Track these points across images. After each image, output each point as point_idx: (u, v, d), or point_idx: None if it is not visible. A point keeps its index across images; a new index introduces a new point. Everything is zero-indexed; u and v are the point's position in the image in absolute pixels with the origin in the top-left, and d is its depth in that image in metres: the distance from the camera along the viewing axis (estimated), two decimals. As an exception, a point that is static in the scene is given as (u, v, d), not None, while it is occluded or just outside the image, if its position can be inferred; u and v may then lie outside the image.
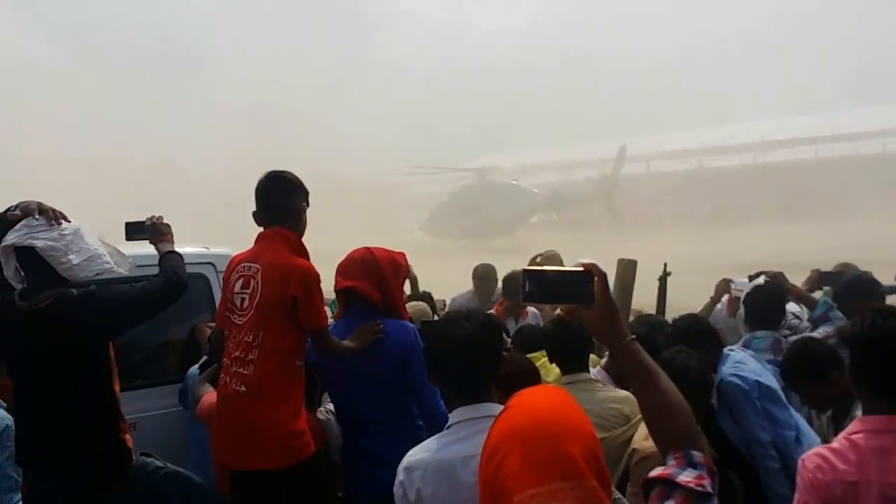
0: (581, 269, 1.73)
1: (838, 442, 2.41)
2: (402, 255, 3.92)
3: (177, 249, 4.08)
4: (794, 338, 4.50)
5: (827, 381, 3.21)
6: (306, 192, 3.80)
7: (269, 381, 3.52)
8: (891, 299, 5.74)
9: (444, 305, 6.28)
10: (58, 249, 3.68)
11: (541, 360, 4.44)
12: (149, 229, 4.06)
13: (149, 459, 3.43)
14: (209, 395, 3.89)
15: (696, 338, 3.81)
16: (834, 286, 5.15)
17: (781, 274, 5.22)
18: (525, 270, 1.75)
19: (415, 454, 2.43)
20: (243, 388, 3.47)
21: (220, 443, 3.59)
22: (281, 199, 3.72)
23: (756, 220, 33.03)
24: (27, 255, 3.55)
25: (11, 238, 3.52)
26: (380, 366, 3.41)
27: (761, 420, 3.93)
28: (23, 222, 3.64)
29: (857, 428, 2.38)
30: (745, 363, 4.10)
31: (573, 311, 1.74)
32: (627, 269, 5.60)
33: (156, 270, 3.91)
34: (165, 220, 4.13)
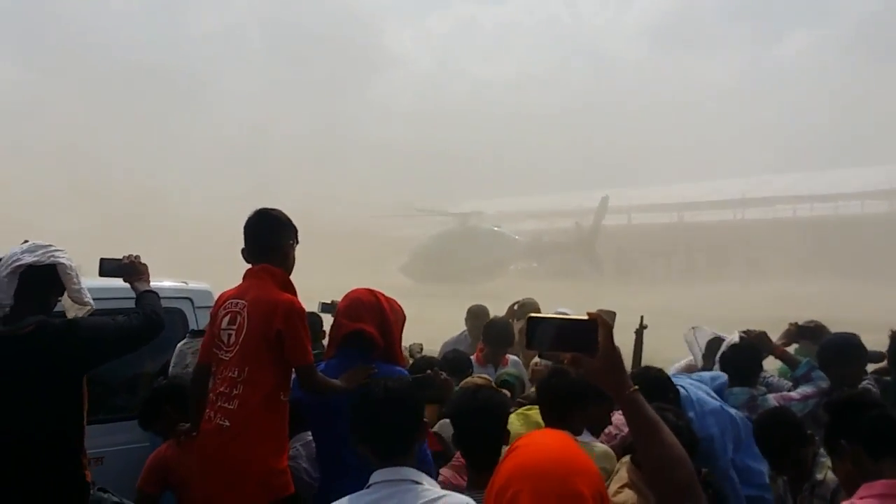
0: (586, 318, 1.74)
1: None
2: (396, 302, 3.93)
3: (155, 283, 4.07)
4: (771, 396, 4.55)
5: (788, 454, 3.17)
6: (295, 231, 3.81)
7: (254, 416, 3.49)
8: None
9: (421, 349, 6.25)
10: (74, 270, 3.71)
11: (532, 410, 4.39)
12: (125, 268, 4.04)
13: (105, 495, 3.38)
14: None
15: (659, 386, 3.85)
16: (820, 347, 5.17)
17: (764, 333, 5.24)
18: (530, 317, 1.77)
19: None
20: (227, 423, 3.44)
21: (201, 477, 3.54)
22: (268, 237, 3.73)
23: (735, 276, 33.29)
24: (35, 277, 3.54)
25: (29, 258, 3.50)
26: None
27: (731, 469, 3.97)
28: (28, 244, 3.64)
29: (864, 493, 2.40)
30: (707, 398, 4.16)
31: (577, 360, 1.74)
32: (605, 321, 5.61)
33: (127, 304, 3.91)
34: (143, 258, 4.13)
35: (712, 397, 4.15)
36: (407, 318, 4.15)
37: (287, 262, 3.76)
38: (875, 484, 2.35)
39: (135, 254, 4.08)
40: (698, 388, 4.18)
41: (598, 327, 1.73)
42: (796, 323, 5.77)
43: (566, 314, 1.87)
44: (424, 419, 2.75)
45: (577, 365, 1.74)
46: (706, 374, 4.56)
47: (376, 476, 2.46)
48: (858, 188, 37.62)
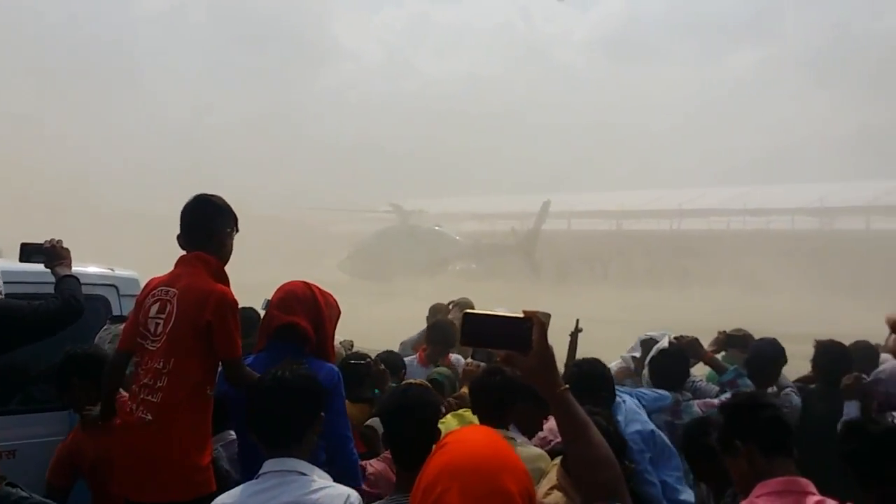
0: (521, 316, 1.73)
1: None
2: (332, 295, 3.83)
3: (79, 269, 3.92)
4: (695, 402, 4.68)
5: (712, 462, 3.20)
6: (235, 218, 3.67)
7: (178, 410, 3.37)
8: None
9: (351, 345, 6.17)
10: None
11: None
12: (47, 252, 3.89)
13: (13, 490, 3.24)
14: None
15: (593, 383, 3.91)
16: (749, 355, 5.32)
17: (696, 340, 5.36)
18: (465, 313, 1.76)
19: (221, 500, 2.51)
20: (149, 417, 3.31)
21: (121, 472, 3.40)
22: (203, 223, 3.60)
23: (670, 284, 33.93)
24: None
25: None
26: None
27: (652, 474, 4.03)
28: None
29: (760, 491, 2.48)
30: (639, 413, 4.22)
31: (510, 357, 1.74)
32: (540, 320, 5.62)
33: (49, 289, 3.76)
34: (69, 243, 3.98)
35: (644, 414, 4.23)
36: (342, 314, 4.07)
37: (223, 251, 3.64)
38: (770, 482, 2.46)
39: (57, 238, 3.93)
40: (635, 404, 4.25)
41: (532, 325, 1.73)
42: (725, 331, 5.94)
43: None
44: (321, 413, 2.76)
45: (510, 362, 1.74)
46: (651, 394, 4.64)
47: (266, 466, 2.50)
48: (790, 204, 38.78)
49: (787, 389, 5.38)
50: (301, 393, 2.87)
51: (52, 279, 3.81)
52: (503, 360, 1.76)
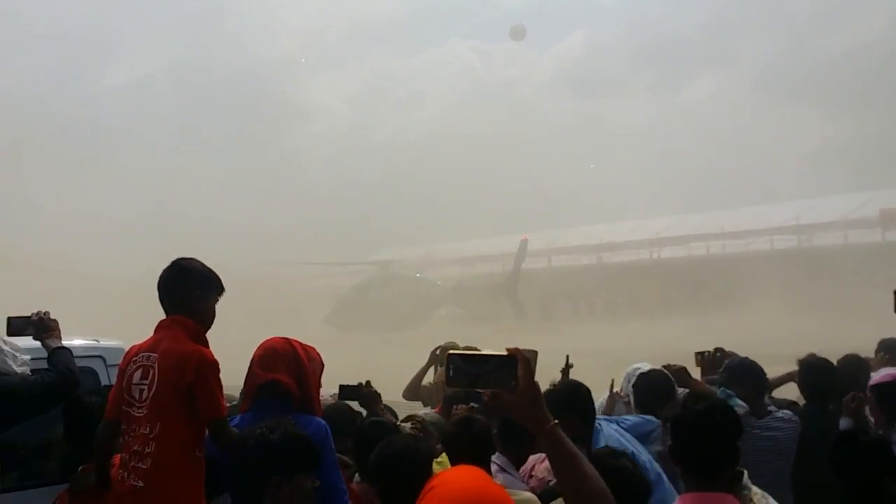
0: (506, 353, 1.72)
1: None
2: (315, 349, 3.81)
3: (66, 342, 3.89)
4: None
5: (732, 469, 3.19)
6: (215, 282, 3.65)
7: (168, 475, 3.33)
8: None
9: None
10: None
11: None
12: (35, 325, 3.87)
13: None
14: None
15: (571, 403, 3.90)
16: (728, 374, 5.32)
17: (684, 369, 5.34)
18: (449, 354, 1.75)
19: None
20: (141, 484, 3.28)
21: None
22: (176, 287, 3.59)
23: (653, 314, 33.98)
24: None
25: None
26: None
27: None
28: None
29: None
30: (620, 437, 4.19)
31: (497, 395, 1.73)
32: (525, 357, 5.65)
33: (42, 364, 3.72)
34: (52, 315, 3.96)
35: (626, 439, 4.20)
36: (331, 368, 4.05)
37: (197, 314, 3.61)
38: (685, 496, 2.57)
39: (44, 310, 3.91)
40: (614, 429, 4.22)
41: (517, 363, 1.72)
42: (700, 353, 5.92)
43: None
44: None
45: (497, 401, 1.74)
46: (631, 419, 4.62)
47: None
48: (766, 224, 39.10)
49: (773, 409, 5.37)
50: (283, 452, 2.90)
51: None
52: (490, 399, 1.76)
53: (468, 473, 1.84)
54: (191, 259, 3.69)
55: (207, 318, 3.64)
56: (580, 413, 3.96)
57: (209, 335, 3.61)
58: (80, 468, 3.55)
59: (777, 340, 15.89)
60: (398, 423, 5.17)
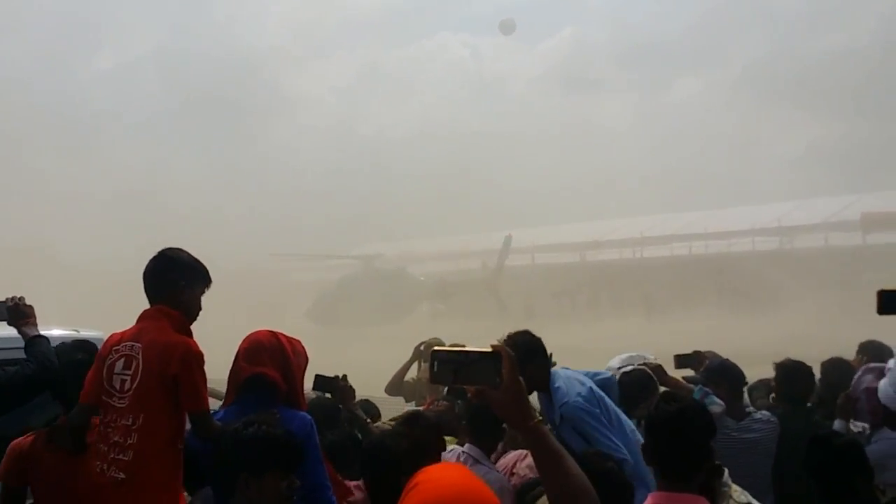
0: (490, 350, 1.72)
1: None
2: (300, 342, 3.79)
3: (43, 331, 3.85)
4: None
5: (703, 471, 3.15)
6: (201, 273, 3.61)
7: (149, 467, 3.31)
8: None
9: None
10: None
11: (452, 444, 4.36)
12: (9, 311, 3.81)
13: None
14: None
15: (528, 351, 4.05)
16: (706, 373, 5.39)
17: (660, 366, 5.39)
18: (433, 351, 1.74)
19: None
20: (122, 476, 3.26)
21: None
22: (164, 278, 3.56)
23: (635, 312, 34.12)
24: None
25: None
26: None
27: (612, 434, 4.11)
28: None
29: (648, 502, 2.55)
30: (574, 376, 4.34)
31: (481, 392, 1.73)
32: (509, 353, 5.72)
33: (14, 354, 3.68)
34: (28, 302, 3.90)
35: (579, 378, 4.38)
36: (318, 362, 4.05)
37: (183, 304, 3.57)
38: (656, 494, 2.62)
39: (18, 295, 3.85)
40: (570, 373, 4.40)
41: (501, 359, 1.72)
42: (676, 355, 5.99)
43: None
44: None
45: (482, 397, 1.74)
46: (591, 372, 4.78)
47: None
48: (749, 225, 39.32)
49: (752, 409, 5.42)
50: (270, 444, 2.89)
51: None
52: (474, 396, 1.77)
53: (453, 471, 1.83)
54: (178, 249, 3.66)
55: (192, 310, 3.60)
56: (537, 361, 4.08)
57: (192, 327, 3.58)
58: (59, 418, 3.54)
59: (758, 342, 16.03)
60: (380, 420, 5.18)
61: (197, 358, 3.41)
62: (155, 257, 3.60)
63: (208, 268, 3.70)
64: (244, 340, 3.71)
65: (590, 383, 4.25)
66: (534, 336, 4.31)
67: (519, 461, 4.09)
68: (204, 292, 3.60)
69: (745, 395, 5.59)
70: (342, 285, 39.74)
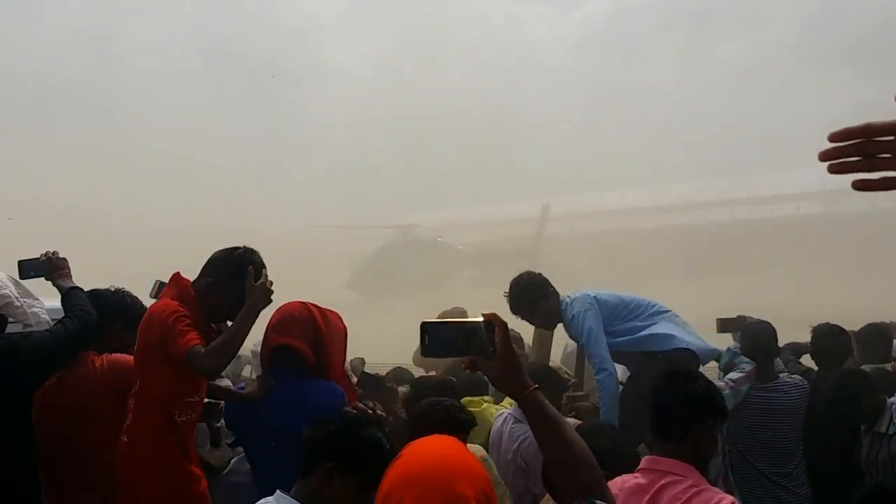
0: (481, 319, 1.72)
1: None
2: (337, 314, 3.77)
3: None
4: None
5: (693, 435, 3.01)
6: (245, 266, 3.51)
7: (142, 433, 3.35)
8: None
9: (363, 363, 6.17)
10: (16, 302, 3.60)
11: (482, 404, 4.35)
12: (44, 265, 3.85)
13: None
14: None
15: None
16: (740, 336, 5.37)
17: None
18: (423, 323, 1.72)
19: None
20: (125, 438, 3.34)
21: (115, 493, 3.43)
22: (219, 265, 3.55)
23: (676, 279, 33.80)
24: None
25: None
26: (291, 426, 3.27)
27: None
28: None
29: (641, 465, 2.55)
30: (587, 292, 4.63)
31: (474, 362, 1.73)
32: (502, 321, 5.77)
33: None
34: (77, 275, 3.95)
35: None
36: (359, 333, 4.03)
37: (212, 296, 3.51)
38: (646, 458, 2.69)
39: (52, 250, 3.90)
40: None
41: (494, 328, 1.71)
42: (719, 319, 5.97)
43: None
44: None
45: (475, 368, 1.73)
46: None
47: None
48: (793, 190, 38.64)
49: (784, 374, 5.36)
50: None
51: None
52: (468, 366, 1.75)
53: (439, 442, 1.84)
54: (256, 254, 3.57)
55: (214, 310, 3.51)
56: (545, 295, 4.29)
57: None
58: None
59: (801, 306, 15.75)
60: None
61: (166, 312, 3.33)
62: (232, 251, 3.53)
63: (247, 240, 3.67)
64: (275, 311, 3.70)
65: (595, 296, 4.68)
66: (534, 274, 4.50)
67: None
68: (236, 308, 3.42)
69: (779, 361, 5.54)
70: (381, 255, 39.92)
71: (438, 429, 3.23)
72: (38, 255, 3.92)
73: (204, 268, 3.60)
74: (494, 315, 1.73)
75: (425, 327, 1.70)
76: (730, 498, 2.44)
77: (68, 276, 3.90)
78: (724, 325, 5.97)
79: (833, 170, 1.45)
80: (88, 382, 3.58)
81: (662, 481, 2.49)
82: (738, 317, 5.92)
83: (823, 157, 1.48)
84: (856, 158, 1.42)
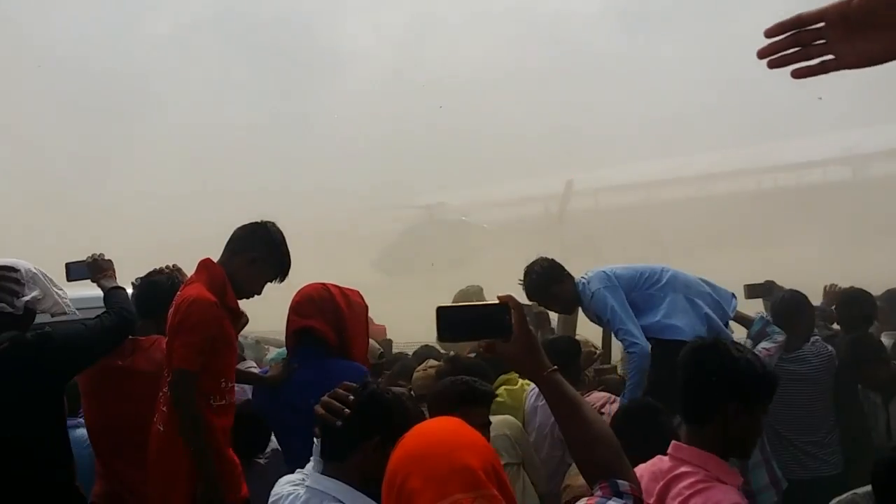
0: (496, 302, 1.73)
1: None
2: (358, 293, 3.80)
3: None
4: None
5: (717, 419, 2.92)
6: (280, 263, 3.58)
7: (171, 425, 3.37)
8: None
9: (391, 344, 6.22)
10: (44, 290, 3.66)
11: (518, 382, 4.38)
12: (90, 266, 3.96)
13: None
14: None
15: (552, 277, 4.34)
16: (772, 305, 5.39)
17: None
18: (438, 308, 1.75)
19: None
20: (161, 428, 3.35)
21: (147, 482, 3.48)
22: (241, 242, 3.62)
23: (703, 250, 33.52)
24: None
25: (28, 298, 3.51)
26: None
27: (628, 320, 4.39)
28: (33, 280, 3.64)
29: (668, 450, 2.50)
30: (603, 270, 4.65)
31: (492, 345, 1.75)
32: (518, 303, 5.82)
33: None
34: (107, 257, 4.05)
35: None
36: (379, 312, 4.05)
37: (242, 273, 3.56)
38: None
39: (98, 252, 4.01)
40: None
41: (509, 310, 1.74)
42: (747, 285, 6.00)
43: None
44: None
45: (492, 351, 1.76)
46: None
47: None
48: (820, 156, 38.05)
49: (815, 339, 5.35)
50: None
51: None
52: (485, 350, 1.77)
53: (440, 420, 1.87)
54: (278, 229, 3.64)
55: (252, 285, 3.57)
56: (561, 279, 4.34)
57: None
58: None
59: (830, 273, 15.55)
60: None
61: (187, 312, 3.37)
62: (253, 224, 3.60)
63: (277, 222, 3.70)
64: (296, 294, 3.75)
65: (610, 271, 4.69)
66: (547, 259, 4.54)
67: (608, 403, 4.11)
68: (270, 281, 3.58)
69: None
70: (406, 235, 40.00)
71: (460, 403, 3.26)
72: (84, 258, 4.04)
73: (227, 245, 3.66)
74: (510, 296, 1.78)
75: (441, 312, 1.73)
76: (732, 499, 2.37)
77: (112, 276, 4.06)
78: (752, 291, 5.98)
79: (773, 64, 1.49)
80: (157, 365, 3.68)
81: (677, 471, 2.46)
82: (766, 282, 5.92)
83: (762, 54, 1.52)
84: (793, 50, 1.46)
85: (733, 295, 5.48)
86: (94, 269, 4.14)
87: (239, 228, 3.76)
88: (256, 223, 3.68)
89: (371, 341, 4.97)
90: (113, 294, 4.03)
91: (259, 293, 3.66)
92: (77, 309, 4.16)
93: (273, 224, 3.69)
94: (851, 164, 39.33)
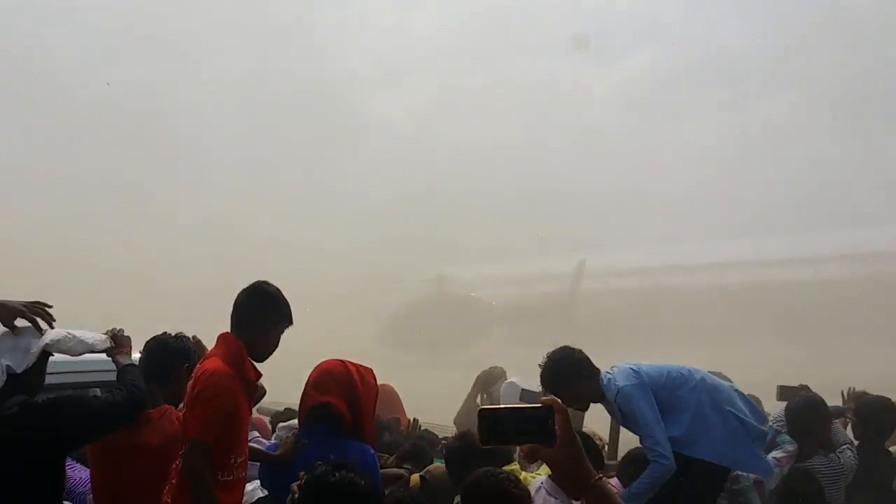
0: (540, 405, 1.59)
1: None
2: (371, 371, 3.80)
3: (136, 355, 4.16)
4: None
5: None
6: (284, 312, 3.75)
7: (184, 494, 3.41)
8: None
9: (398, 423, 6.08)
10: (66, 341, 3.78)
11: (521, 474, 4.21)
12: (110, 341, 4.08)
13: None
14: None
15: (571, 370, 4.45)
16: (786, 409, 5.35)
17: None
18: (480, 410, 1.57)
19: None
20: (169, 501, 3.37)
21: None
22: (249, 311, 3.75)
23: (715, 341, 33.33)
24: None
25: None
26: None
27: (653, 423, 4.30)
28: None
29: None
30: (628, 367, 4.54)
31: (534, 450, 1.60)
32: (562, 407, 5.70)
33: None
34: (127, 327, 4.18)
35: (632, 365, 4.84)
36: (398, 388, 4.07)
37: (251, 335, 3.67)
38: None
39: (118, 327, 4.16)
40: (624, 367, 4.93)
41: (553, 415, 1.58)
42: (780, 385, 5.85)
43: (515, 384, 1.70)
44: None
45: (535, 456, 1.60)
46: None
47: None
48: (836, 251, 38.05)
49: (843, 447, 5.19)
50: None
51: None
52: (527, 455, 1.61)
53: None
54: (270, 284, 3.85)
55: (270, 347, 3.74)
56: (585, 373, 4.25)
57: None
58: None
59: (851, 373, 15.29)
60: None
61: (200, 382, 3.49)
62: (248, 289, 3.75)
63: (284, 292, 3.82)
64: (314, 369, 3.76)
65: (639, 370, 4.57)
66: (573, 350, 4.42)
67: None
68: (283, 331, 3.76)
69: (838, 428, 5.40)
70: (413, 309, 40.03)
71: (490, 500, 3.08)
72: (103, 333, 4.16)
73: (235, 316, 3.76)
74: (554, 399, 1.71)
75: (483, 414, 1.62)
76: None
77: (128, 353, 4.16)
78: (784, 394, 5.82)
79: None
80: (167, 438, 3.78)
81: None
82: (801, 385, 5.77)
83: None
84: None
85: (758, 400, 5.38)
86: (114, 343, 4.31)
87: (241, 296, 3.88)
88: (255, 289, 3.82)
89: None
90: (126, 370, 4.13)
91: (264, 356, 3.82)
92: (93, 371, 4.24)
93: (267, 283, 3.90)
94: (867, 261, 39.33)
